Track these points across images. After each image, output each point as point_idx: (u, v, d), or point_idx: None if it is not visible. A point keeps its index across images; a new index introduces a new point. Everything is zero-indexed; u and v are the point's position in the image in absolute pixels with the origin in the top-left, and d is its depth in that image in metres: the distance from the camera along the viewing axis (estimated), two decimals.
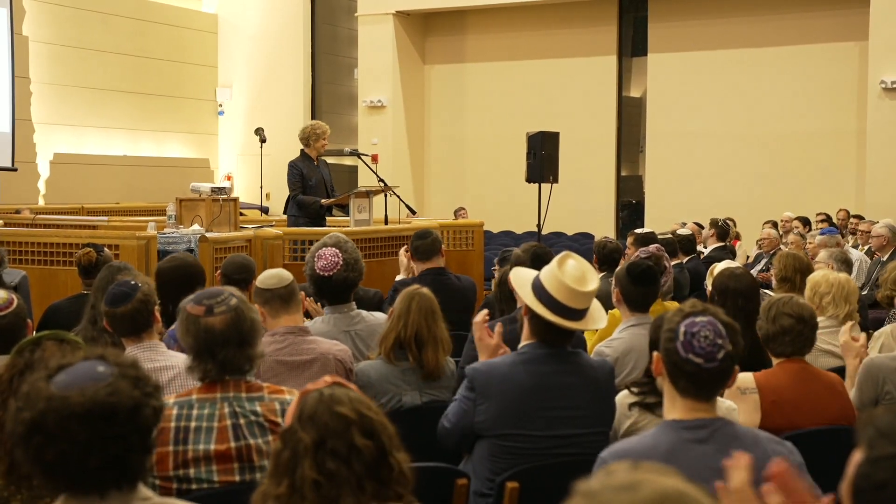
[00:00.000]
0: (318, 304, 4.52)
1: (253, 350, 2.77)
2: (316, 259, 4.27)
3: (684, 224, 10.79)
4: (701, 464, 2.32)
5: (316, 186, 8.10)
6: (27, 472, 1.82)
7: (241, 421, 2.72)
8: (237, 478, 2.69)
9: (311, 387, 2.10)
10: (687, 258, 7.94)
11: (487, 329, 3.51)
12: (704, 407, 2.46)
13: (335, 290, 4.26)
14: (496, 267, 5.65)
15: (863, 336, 3.86)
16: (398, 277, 6.12)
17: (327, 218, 8.35)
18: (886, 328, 4.72)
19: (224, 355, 2.71)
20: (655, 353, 2.53)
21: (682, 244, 7.97)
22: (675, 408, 2.48)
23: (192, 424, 2.69)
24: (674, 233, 8.55)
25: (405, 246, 6.57)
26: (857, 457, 1.65)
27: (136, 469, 1.85)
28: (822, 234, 9.23)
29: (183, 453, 2.67)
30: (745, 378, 3.43)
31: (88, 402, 1.76)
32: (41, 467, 1.78)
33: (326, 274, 4.22)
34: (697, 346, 2.42)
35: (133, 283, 3.39)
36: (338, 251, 4.28)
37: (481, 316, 3.52)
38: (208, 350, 2.71)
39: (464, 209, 13.66)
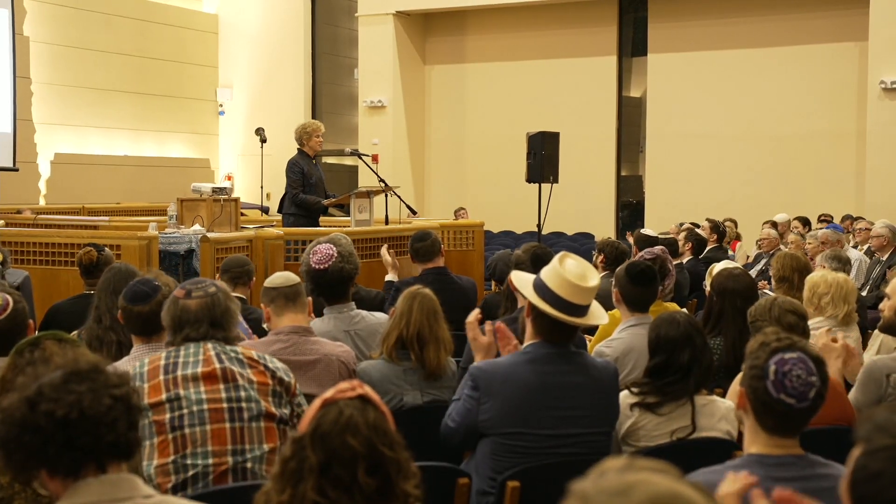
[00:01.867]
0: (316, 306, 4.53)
1: (226, 333, 3.02)
2: (311, 255, 4.33)
3: (681, 224, 10.81)
4: None
5: (316, 184, 8.11)
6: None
7: (224, 356, 2.98)
8: (223, 395, 2.90)
9: (337, 394, 2.03)
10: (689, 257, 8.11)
11: (479, 329, 3.54)
12: (790, 443, 2.37)
13: (332, 282, 4.27)
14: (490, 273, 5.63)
15: (840, 335, 3.82)
16: (387, 277, 6.14)
17: (321, 218, 8.33)
18: None
19: (195, 332, 2.96)
20: (740, 388, 2.40)
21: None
22: (757, 441, 2.38)
23: (181, 360, 2.95)
24: (689, 230, 8.74)
25: (386, 245, 6.60)
26: (855, 452, 1.68)
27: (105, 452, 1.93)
28: (827, 228, 9.25)
29: (173, 380, 2.90)
30: None
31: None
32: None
33: (322, 266, 4.25)
34: (790, 386, 2.30)
35: (156, 283, 3.42)
36: (332, 245, 4.33)
37: (473, 316, 3.55)
38: (180, 327, 2.99)
39: (464, 209, 13.68)
